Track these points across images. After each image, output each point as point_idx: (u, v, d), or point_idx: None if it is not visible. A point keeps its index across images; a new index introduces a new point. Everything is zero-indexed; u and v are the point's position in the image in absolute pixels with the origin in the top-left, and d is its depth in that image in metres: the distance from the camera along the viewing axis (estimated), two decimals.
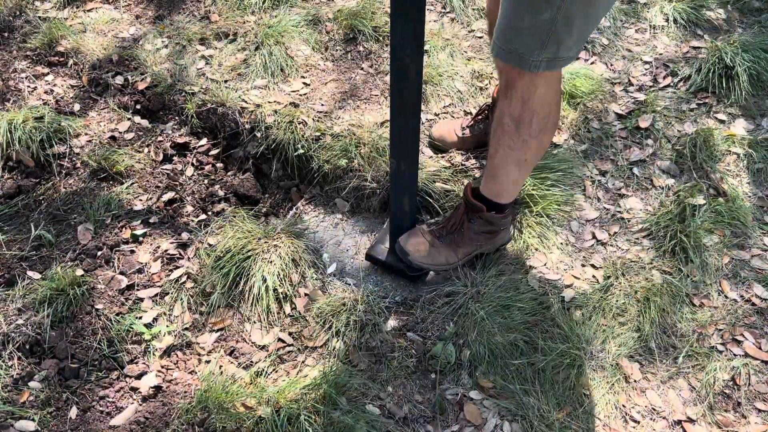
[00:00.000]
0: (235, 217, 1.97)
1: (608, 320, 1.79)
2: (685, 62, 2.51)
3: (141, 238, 1.97)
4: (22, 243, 1.93)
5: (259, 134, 2.30)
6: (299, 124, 2.27)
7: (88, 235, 1.96)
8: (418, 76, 1.46)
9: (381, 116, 2.31)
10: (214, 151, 2.37)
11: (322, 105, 2.34)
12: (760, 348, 1.74)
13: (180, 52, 2.54)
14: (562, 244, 1.97)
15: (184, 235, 1.99)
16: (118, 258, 1.91)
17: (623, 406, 1.64)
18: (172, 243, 1.96)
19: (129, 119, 2.37)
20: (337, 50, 2.56)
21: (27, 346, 1.67)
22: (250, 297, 1.77)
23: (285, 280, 1.81)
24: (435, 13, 2.73)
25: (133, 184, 2.13)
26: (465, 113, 2.34)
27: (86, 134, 2.26)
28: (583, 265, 1.93)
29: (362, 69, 2.49)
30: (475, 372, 1.67)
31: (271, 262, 1.80)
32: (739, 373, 1.68)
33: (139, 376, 1.66)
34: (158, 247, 1.95)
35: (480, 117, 2.15)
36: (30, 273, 1.85)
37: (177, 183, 2.22)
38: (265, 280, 1.77)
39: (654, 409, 1.64)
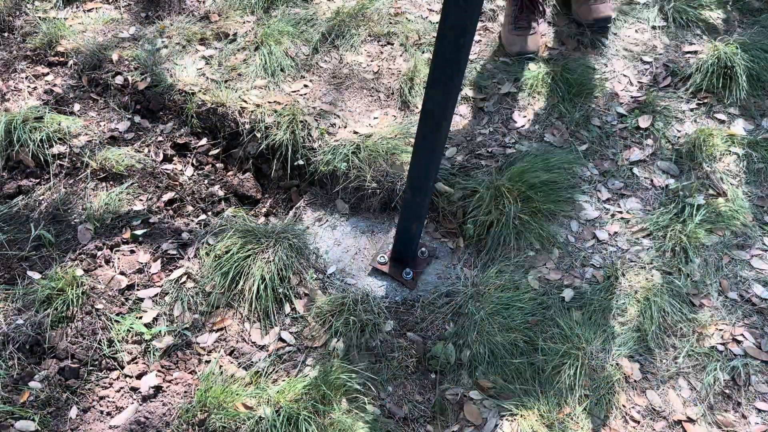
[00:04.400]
0: (235, 217, 1.97)
1: (608, 320, 1.79)
2: (685, 62, 2.51)
3: (141, 238, 1.97)
4: (22, 243, 1.93)
5: (259, 134, 2.30)
6: (300, 123, 2.28)
7: (88, 235, 1.96)
8: (447, 129, 1.48)
9: (380, 115, 2.31)
10: (214, 151, 2.37)
11: (323, 104, 2.34)
12: (760, 348, 1.75)
13: (180, 52, 2.54)
14: (562, 244, 1.97)
15: (184, 235, 1.99)
16: (118, 258, 1.91)
17: (623, 406, 1.64)
18: (172, 243, 1.96)
19: (129, 119, 2.37)
20: (336, 50, 2.56)
21: (27, 346, 1.67)
22: (250, 297, 1.77)
23: (285, 280, 1.81)
24: None
25: (133, 184, 2.13)
26: None
27: (86, 134, 2.26)
28: (583, 265, 1.93)
29: (362, 69, 2.49)
30: (475, 372, 1.66)
31: (271, 262, 1.80)
32: (739, 373, 1.68)
33: (139, 376, 1.66)
34: (158, 247, 1.95)
35: None
36: (30, 273, 1.85)
37: (177, 183, 2.22)
38: (264, 280, 1.77)
39: (654, 409, 1.64)
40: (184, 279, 1.85)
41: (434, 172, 1.60)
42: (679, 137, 2.27)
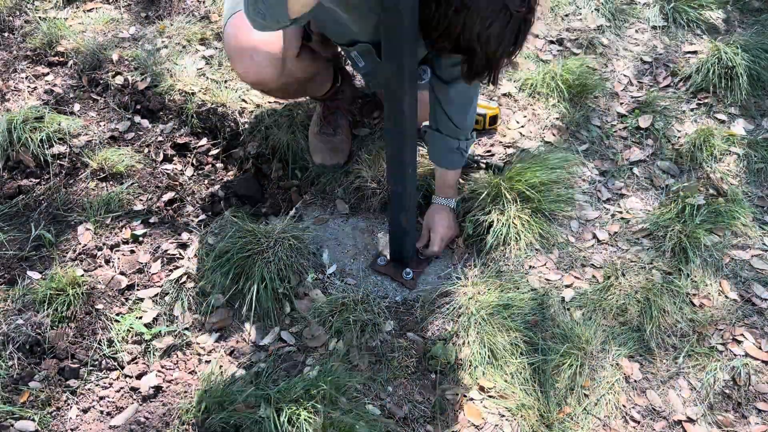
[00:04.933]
0: (235, 217, 1.97)
1: (608, 320, 1.79)
2: (685, 62, 2.51)
3: (141, 238, 1.97)
4: (22, 243, 1.93)
5: (259, 134, 2.30)
6: (299, 123, 2.28)
7: (88, 235, 1.96)
8: (412, 108, 1.46)
9: (379, 115, 2.31)
10: (214, 151, 2.37)
11: None
12: (760, 348, 1.75)
13: (180, 52, 2.54)
14: (562, 244, 1.97)
15: (184, 235, 1.99)
16: (118, 258, 1.91)
17: (623, 406, 1.64)
18: (172, 243, 1.96)
19: (129, 119, 2.37)
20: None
21: (27, 346, 1.67)
22: (250, 297, 1.77)
23: (285, 280, 1.81)
24: None
25: (133, 184, 2.13)
26: None
27: (86, 134, 2.26)
28: (583, 265, 1.93)
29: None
30: (475, 372, 1.67)
31: (271, 262, 1.80)
32: (739, 373, 1.68)
33: (139, 376, 1.66)
34: (158, 247, 1.95)
35: None
36: (30, 273, 1.85)
37: (177, 183, 2.22)
38: (264, 280, 1.77)
39: (654, 409, 1.64)
40: (184, 279, 1.85)
41: (406, 154, 1.58)
42: (679, 137, 2.27)
